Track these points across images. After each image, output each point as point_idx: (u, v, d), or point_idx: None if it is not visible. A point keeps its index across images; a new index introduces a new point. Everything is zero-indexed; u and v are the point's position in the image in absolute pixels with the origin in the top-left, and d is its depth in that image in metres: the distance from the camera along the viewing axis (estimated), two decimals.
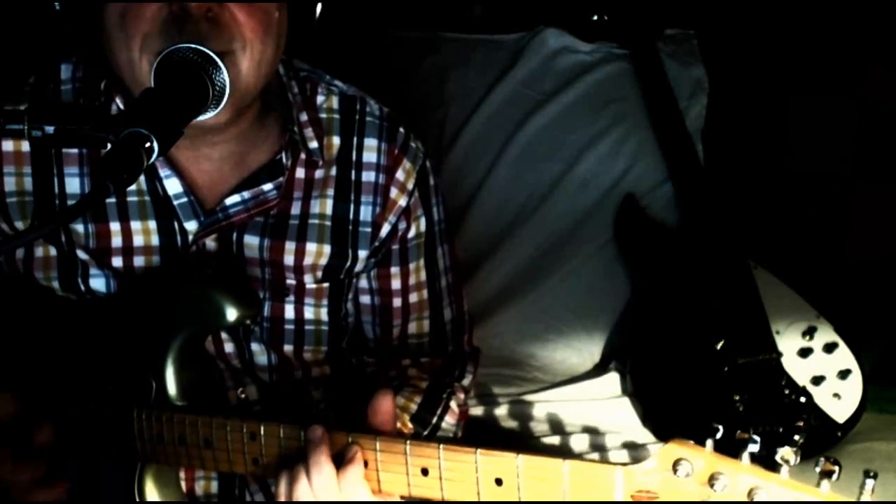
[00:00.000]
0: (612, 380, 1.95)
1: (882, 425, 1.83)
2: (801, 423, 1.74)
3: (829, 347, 1.83)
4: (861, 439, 1.77)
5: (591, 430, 1.86)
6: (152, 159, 0.97)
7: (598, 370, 2.00)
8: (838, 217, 2.31)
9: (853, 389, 1.79)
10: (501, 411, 1.89)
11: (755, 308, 1.87)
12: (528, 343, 2.04)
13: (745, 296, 1.89)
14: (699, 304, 1.89)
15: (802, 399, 1.77)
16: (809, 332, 1.85)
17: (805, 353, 1.83)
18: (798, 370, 1.80)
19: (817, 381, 1.79)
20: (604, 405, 1.91)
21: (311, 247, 1.39)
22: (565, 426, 1.86)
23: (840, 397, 1.78)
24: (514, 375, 1.99)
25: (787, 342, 1.84)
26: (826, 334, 1.85)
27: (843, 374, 1.80)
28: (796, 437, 1.68)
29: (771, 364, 1.81)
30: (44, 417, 1.31)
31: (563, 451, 1.00)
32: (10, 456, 1.28)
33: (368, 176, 1.42)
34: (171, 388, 1.26)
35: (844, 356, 1.83)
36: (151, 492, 1.28)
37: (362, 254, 1.43)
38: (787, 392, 1.78)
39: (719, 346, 1.82)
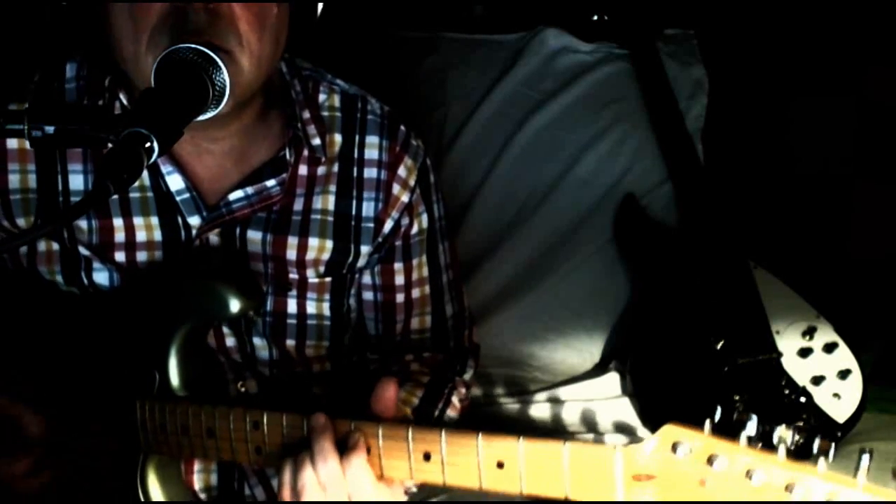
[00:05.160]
0: (612, 380, 1.95)
1: (882, 425, 1.83)
2: (801, 423, 1.74)
3: (829, 347, 1.83)
4: (861, 439, 1.77)
5: (590, 430, 1.86)
6: (152, 159, 0.98)
7: (598, 370, 2.00)
8: (838, 217, 2.31)
9: (853, 389, 1.79)
10: (500, 411, 1.89)
11: (755, 308, 1.87)
12: (528, 343, 2.04)
13: (745, 296, 1.89)
14: (699, 304, 1.89)
15: (802, 399, 1.77)
16: (809, 332, 1.85)
17: (805, 353, 1.83)
18: (798, 370, 1.80)
19: (817, 381, 1.79)
20: (604, 405, 1.91)
21: (313, 241, 1.41)
22: (565, 426, 1.87)
23: (840, 397, 1.78)
24: (514, 375, 1.99)
25: (787, 342, 1.84)
26: (826, 334, 1.85)
27: (843, 374, 1.80)
28: (796, 438, 1.68)
29: (771, 364, 1.81)
30: (35, 410, 1.32)
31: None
32: None
33: (370, 172, 1.43)
34: (174, 379, 1.27)
35: (844, 356, 1.83)
36: (153, 483, 1.29)
37: (364, 249, 1.44)
38: (787, 392, 1.77)
39: (719, 346, 1.82)
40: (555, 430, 1.85)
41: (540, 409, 1.90)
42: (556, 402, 1.92)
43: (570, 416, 1.88)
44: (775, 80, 2.30)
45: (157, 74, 1.11)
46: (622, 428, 1.87)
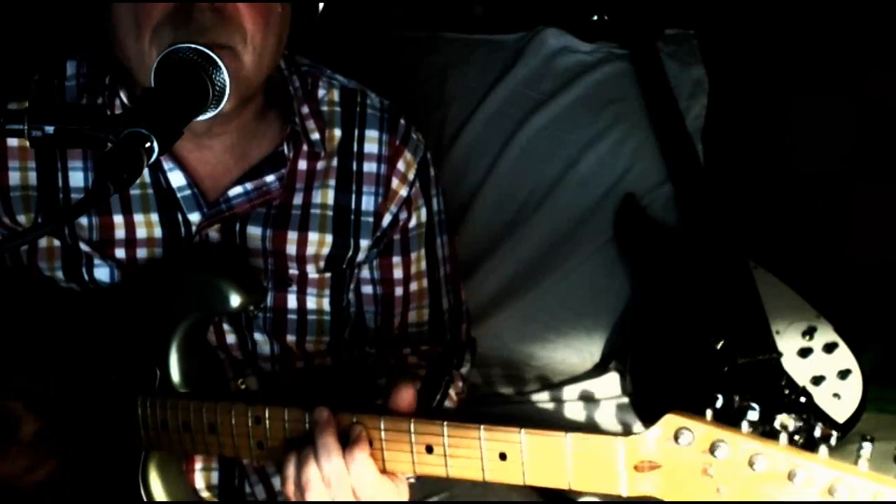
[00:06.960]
0: (612, 380, 1.95)
1: (882, 425, 1.83)
2: (800, 424, 1.73)
3: (829, 347, 1.83)
4: (861, 439, 1.76)
5: (590, 430, 1.86)
6: (152, 159, 0.98)
7: (598, 370, 2.01)
8: (838, 217, 2.31)
9: (853, 389, 1.79)
10: (500, 411, 1.89)
11: (755, 308, 1.87)
12: (528, 343, 2.04)
13: (745, 296, 1.89)
14: (699, 304, 1.89)
15: (802, 399, 1.77)
16: (809, 332, 1.85)
17: (805, 353, 1.83)
18: (798, 370, 1.80)
19: (817, 381, 1.79)
20: (604, 405, 1.91)
21: (312, 236, 1.41)
22: (564, 426, 1.86)
23: (840, 397, 1.78)
24: (514, 375, 1.99)
25: (787, 342, 1.84)
26: (826, 334, 1.85)
27: (843, 374, 1.80)
28: (796, 438, 1.68)
29: (771, 364, 1.81)
30: (30, 408, 1.32)
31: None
32: None
33: (370, 166, 1.44)
34: (175, 375, 1.28)
35: (844, 356, 1.83)
36: (155, 480, 1.29)
37: (364, 243, 1.45)
38: (787, 392, 1.77)
39: (719, 346, 1.82)
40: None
41: (540, 409, 1.90)
42: (556, 401, 1.92)
43: (571, 416, 1.88)
44: (775, 81, 2.30)
45: (156, 74, 1.11)
46: (622, 428, 1.87)
